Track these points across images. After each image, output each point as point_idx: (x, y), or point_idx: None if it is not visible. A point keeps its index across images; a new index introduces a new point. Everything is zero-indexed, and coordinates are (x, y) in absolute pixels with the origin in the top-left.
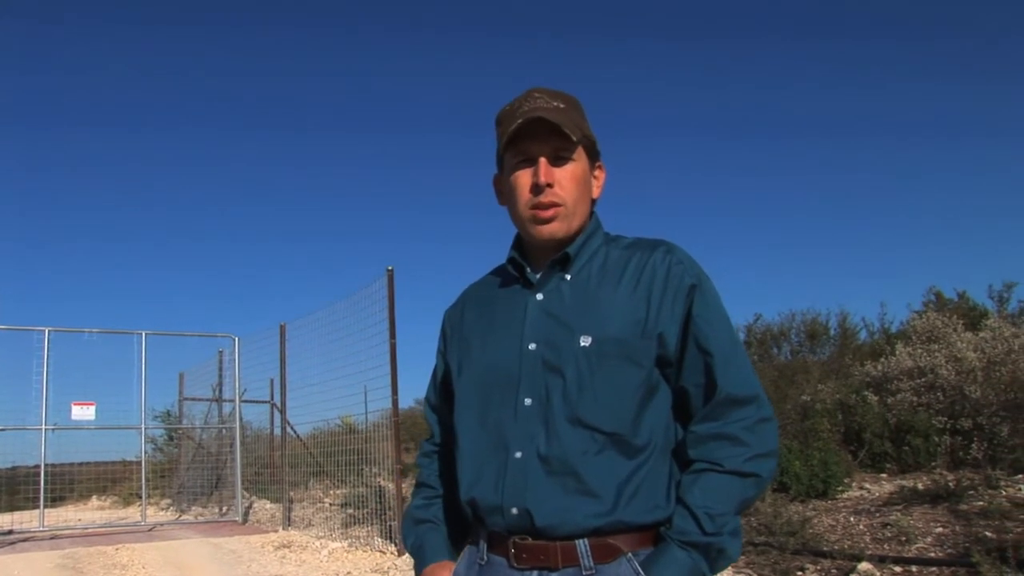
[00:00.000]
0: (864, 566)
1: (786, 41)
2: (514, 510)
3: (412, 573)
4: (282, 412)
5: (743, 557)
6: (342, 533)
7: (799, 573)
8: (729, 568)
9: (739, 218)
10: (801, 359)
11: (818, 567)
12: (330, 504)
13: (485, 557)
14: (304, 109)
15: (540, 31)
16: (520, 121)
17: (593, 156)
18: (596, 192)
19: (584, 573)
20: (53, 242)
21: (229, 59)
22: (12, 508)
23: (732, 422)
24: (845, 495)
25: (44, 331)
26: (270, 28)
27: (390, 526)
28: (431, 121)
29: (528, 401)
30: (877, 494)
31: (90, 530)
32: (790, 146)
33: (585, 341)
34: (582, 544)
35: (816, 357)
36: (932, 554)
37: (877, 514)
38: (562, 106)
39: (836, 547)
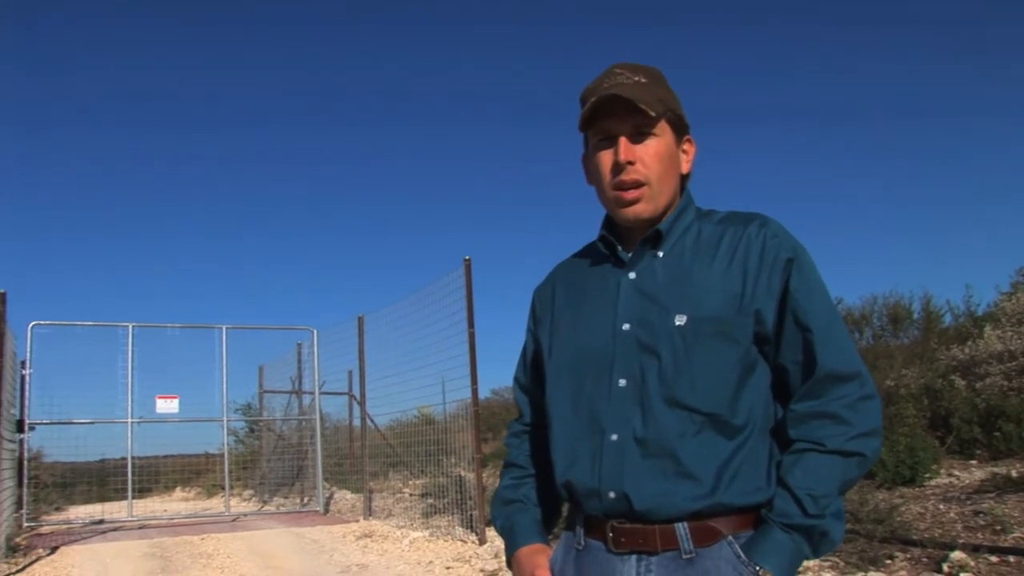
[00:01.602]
0: (957, 555)
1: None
2: (611, 494)
3: (494, 562)
4: (361, 404)
5: None
6: (423, 523)
7: (888, 561)
8: None
9: (820, 201)
10: (883, 344)
11: (908, 556)
12: (410, 494)
13: (583, 542)
14: (390, 103)
15: (617, 21)
16: (594, 99)
17: (680, 131)
18: (685, 167)
19: (684, 557)
20: (136, 238)
21: (287, 55)
22: (102, 499)
23: (833, 400)
24: (933, 482)
25: (128, 327)
26: (368, 26)
27: (471, 516)
28: (508, 114)
29: (623, 382)
30: (967, 481)
31: (176, 520)
32: (874, 128)
33: (680, 320)
34: (682, 528)
35: (899, 341)
36: None
37: (968, 502)
38: (643, 80)
39: (926, 535)
